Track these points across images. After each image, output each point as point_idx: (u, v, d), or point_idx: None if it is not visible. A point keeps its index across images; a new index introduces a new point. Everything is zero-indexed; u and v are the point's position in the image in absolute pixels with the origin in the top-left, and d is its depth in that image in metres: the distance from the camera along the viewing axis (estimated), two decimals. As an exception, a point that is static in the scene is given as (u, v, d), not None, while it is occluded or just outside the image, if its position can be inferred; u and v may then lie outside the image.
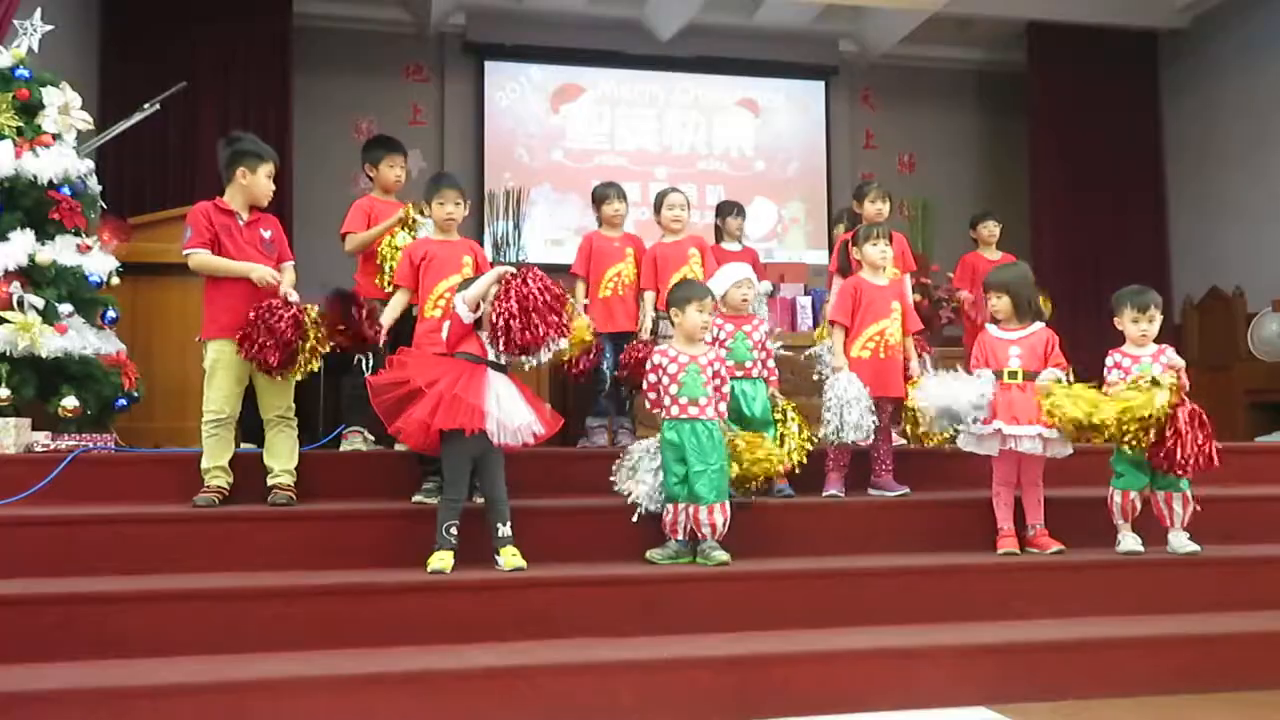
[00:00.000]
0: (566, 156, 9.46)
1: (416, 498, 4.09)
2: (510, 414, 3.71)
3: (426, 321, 4.21)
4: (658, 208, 5.18)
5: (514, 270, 3.87)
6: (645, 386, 4.04)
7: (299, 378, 4.12)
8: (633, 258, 5.10)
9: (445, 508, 3.71)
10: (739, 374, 4.40)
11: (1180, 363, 4.07)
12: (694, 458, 3.86)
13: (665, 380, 3.96)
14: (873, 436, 4.42)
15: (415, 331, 4.25)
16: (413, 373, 3.73)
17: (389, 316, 4.32)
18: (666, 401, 3.95)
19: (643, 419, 5.06)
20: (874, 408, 4.39)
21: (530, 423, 3.76)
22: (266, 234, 4.21)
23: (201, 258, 4.06)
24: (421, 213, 4.56)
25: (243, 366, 4.06)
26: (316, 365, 4.08)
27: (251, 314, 3.95)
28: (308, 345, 4.00)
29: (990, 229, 6.34)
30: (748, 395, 4.38)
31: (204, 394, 4.07)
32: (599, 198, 5.21)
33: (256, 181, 4.16)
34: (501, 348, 3.78)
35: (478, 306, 3.78)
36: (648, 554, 3.90)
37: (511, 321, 3.71)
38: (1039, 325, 4.22)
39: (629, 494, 3.97)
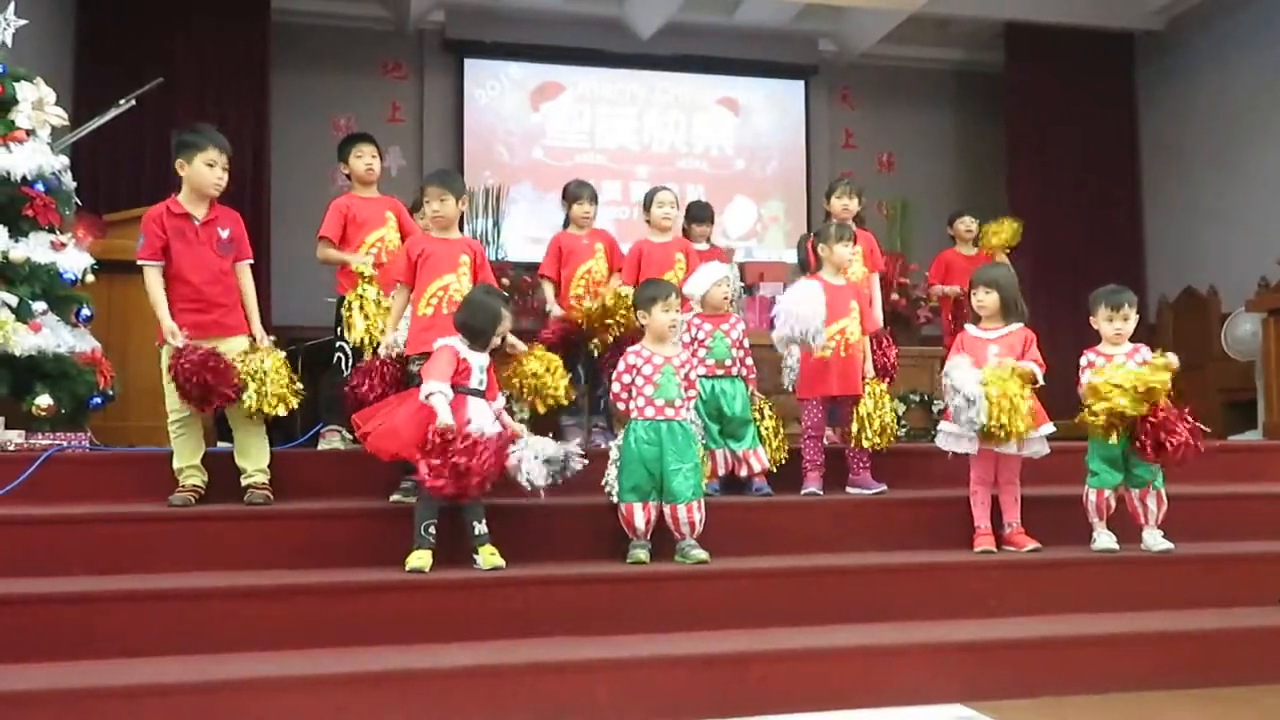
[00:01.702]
0: (547, 155, 9.45)
1: (394, 497, 4.07)
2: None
3: (419, 320, 4.18)
4: (647, 205, 5.13)
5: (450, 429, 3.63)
6: (617, 387, 4.02)
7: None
8: (603, 253, 5.06)
9: (423, 507, 3.70)
10: (719, 372, 4.42)
11: (1175, 363, 4.09)
12: (671, 456, 3.86)
13: (640, 381, 3.96)
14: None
15: (410, 329, 4.23)
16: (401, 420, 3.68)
17: (393, 320, 4.27)
18: (641, 402, 3.94)
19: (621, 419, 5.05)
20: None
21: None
22: (224, 233, 4.13)
23: (148, 275, 4.02)
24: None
25: None
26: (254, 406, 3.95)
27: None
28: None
29: (967, 224, 6.41)
30: (727, 394, 4.39)
31: (165, 394, 4.05)
32: (572, 196, 5.16)
33: (195, 172, 4.06)
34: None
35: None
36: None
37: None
38: (1018, 325, 4.25)
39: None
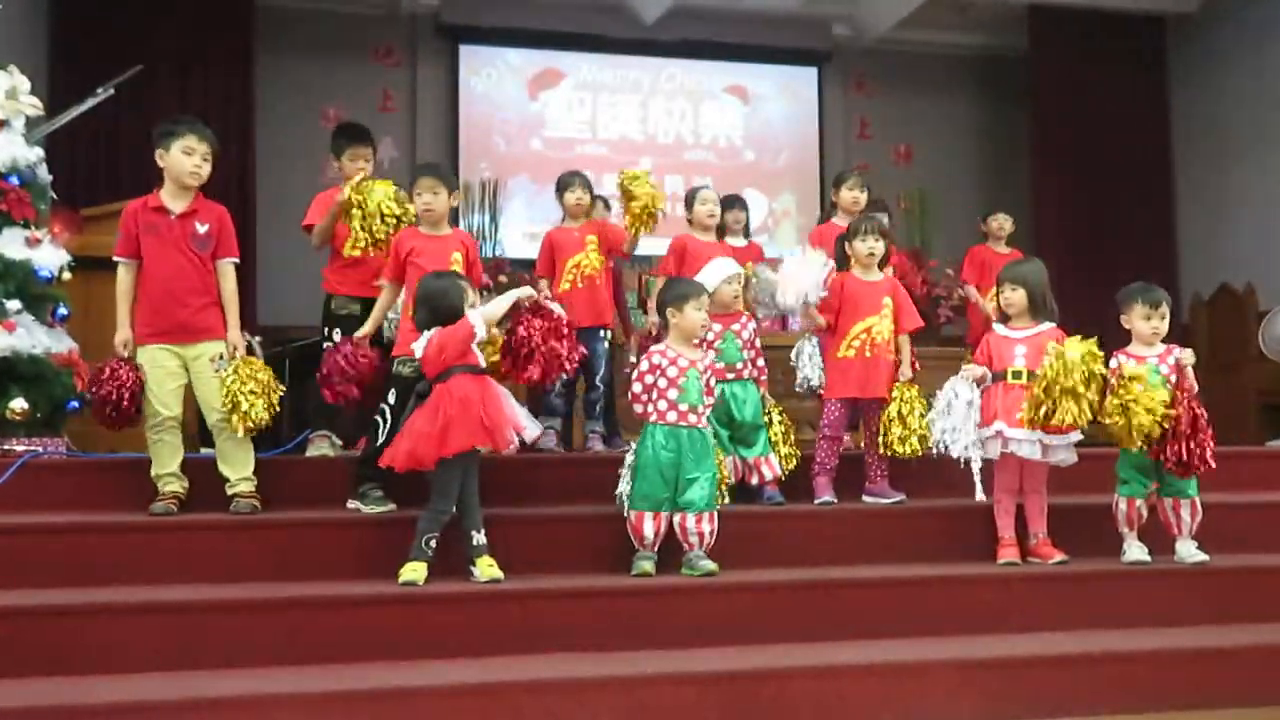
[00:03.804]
0: (546, 146, 9.46)
1: (351, 504, 4.07)
2: (527, 424, 3.82)
3: (410, 320, 4.19)
4: (689, 203, 5.16)
5: (534, 296, 4.05)
6: (639, 388, 4.01)
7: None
8: (595, 245, 5.06)
9: (429, 519, 3.69)
10: (729, 376, 4.41)
11: (1189, 359, 4.09)
12: (690, 464, 3.87)
13: (663, 383, 3.96)
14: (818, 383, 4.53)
15: (400, 330, 4.23)
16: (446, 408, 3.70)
17: (376, 315, 4.29)
18: (663, 406, 3.94)
19: (628, 423, 5.06)
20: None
21: (529, 426, 3.85)
22: (202, 228, 4.15)
23: (118, 273, 4.14)
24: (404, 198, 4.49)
25: (174, 364, 4.08)
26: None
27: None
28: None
29: (1001, 222, 6.47)
30: (738, 398, 4.39)
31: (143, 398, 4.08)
32: (563, 185, 5.22)
33: (172, 160, 4.11)
34: (515, 371, 3.97)
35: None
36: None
37: (534, 350, 3.93)
38: (1048, 325, 4.23)
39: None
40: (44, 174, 4.85)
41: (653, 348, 4.10)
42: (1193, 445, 3.91)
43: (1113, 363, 4.17)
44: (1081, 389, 3.86)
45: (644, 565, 3.83)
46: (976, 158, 10.21)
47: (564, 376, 4.29)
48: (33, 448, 4.35)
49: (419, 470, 3.74)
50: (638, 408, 4.04)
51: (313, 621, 3.44)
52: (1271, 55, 8.69)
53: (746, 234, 5.90)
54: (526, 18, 9.27)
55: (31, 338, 4.47)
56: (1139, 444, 3.96)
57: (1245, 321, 8.28)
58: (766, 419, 4.50)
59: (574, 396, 5.22)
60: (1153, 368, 4.06)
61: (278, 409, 4.11)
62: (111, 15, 7.87)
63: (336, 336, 4.53)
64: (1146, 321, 4.17)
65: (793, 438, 4.62)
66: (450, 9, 9.26)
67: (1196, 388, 4.08)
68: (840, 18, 9.89)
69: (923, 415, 4.44)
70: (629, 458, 3.99)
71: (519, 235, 9.06)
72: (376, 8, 9.24)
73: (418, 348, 3.81)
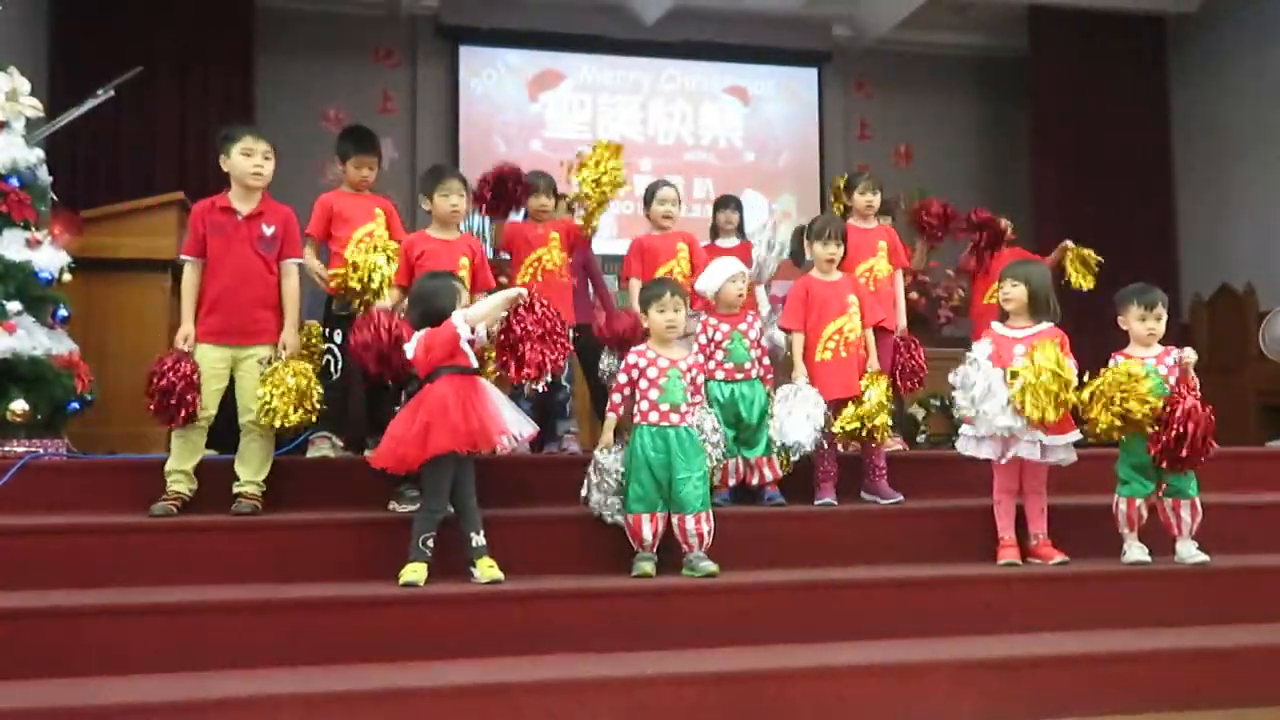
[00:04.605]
0: (546, 147, 9.44)
1: (392, 505, 4.08)
2: (517, 424, 3.79)
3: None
4: (648, 201, 5.15)
5: (525, 295, 4.00)
6: (614, 389, 4.02)
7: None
8: (558, 242, 5.00)
9: (423, 519, 3.70)
10: (738, 376, 4.40)
11: (1192, 357, 4.09)
12: (679, 464, 3.87)
13: (643, 384, 3.96)
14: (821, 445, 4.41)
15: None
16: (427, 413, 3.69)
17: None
18: (645, 407, 3.94)
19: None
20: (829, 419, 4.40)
21: (524, 424, 3.84)
22: (269, 230, 4.20)
23: (184, 271, 4.17)
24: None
25: (222, 365, 4.10)
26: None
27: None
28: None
29: (1003, 224, 6.46)
30: (746, 398, 4.38)
31: None
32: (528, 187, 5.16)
33: (233, 164, 4.18)
34: (511, 371, 3.96)
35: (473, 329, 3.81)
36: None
37: (526, 347, 3.93)
38: (1047, 324, 4.23)
39: (597, 509, 3.98)
40: (44, 175, 4.85)
41: (632, 349, 4.10)
42: (1185, 434, 3.89)
43: (1111, 363, 4.18)
44: (1053, 387, 3.90)
45: (644, 566, 3.84)
46: (976, 158, 10.21)
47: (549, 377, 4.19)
48: (33, 449, 4.35)
49: (412, 472, 3.75)
50: (613, 401, 4.03)
51: (313, 622, 3.44)
52: (1271, 55, 8.69)
53: (740, 234, 5.87)
54: (526, 19, 9.27)
55: (32, 339, 4.48)
56: (1130, 430, 3.95)
57: (1245, 321, 8.28)
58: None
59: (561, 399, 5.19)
60: (1150, 369, 4.07)
61: (314, 413, 4.11)
62: (111, 15, 7.88)
63: (337, 338, 4.55)
64: (1142, 323, 4.17)
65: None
66: (450, 10, 9.27)
67: (1197, 387, 4.08)
68: (840, 18, 9.89)
69: (885, 405, 4.41)
70: (606, 457, 3.98)
71: (519, 236, 9.05)
72: (376, 9, 9.24)
73: (409, 348, 3.81)
